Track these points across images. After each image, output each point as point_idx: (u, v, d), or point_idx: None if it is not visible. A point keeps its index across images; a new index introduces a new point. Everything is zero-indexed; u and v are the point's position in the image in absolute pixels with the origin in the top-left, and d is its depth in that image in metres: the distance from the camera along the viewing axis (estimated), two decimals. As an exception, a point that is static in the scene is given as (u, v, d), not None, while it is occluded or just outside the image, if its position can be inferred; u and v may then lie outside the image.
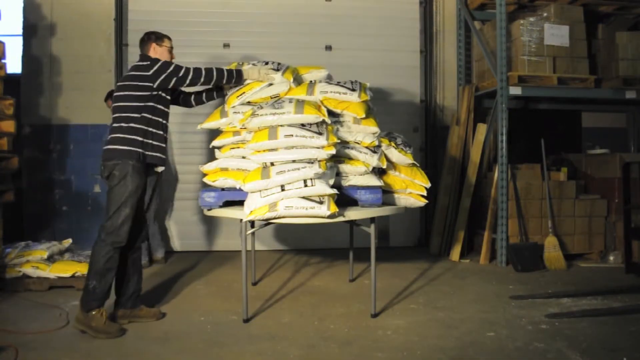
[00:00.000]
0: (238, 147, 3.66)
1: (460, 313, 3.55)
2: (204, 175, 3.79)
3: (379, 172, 3.68)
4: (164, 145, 3.37)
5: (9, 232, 4.37)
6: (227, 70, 3.53)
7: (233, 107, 3.68)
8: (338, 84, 3.61)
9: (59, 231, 5.50)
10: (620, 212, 4.98)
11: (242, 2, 5.89)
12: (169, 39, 3.55)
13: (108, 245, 3.14)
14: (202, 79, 3.42)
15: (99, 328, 3.06)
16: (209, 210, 3.59)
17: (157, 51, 3.46)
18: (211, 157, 3.95)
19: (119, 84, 3.40)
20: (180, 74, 3.32)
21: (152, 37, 3.49)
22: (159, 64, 3.30)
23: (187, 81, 3.36)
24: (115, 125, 3.26)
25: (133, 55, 5.76)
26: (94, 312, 3.10)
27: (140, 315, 3.39)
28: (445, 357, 2.80)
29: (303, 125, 3.29)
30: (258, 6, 5.89)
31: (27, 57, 5.58)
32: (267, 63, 3.73)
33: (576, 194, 5.28)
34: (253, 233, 4.11)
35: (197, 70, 3.39)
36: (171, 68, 3.31)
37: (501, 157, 5.08)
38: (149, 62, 3.30)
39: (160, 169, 3.47)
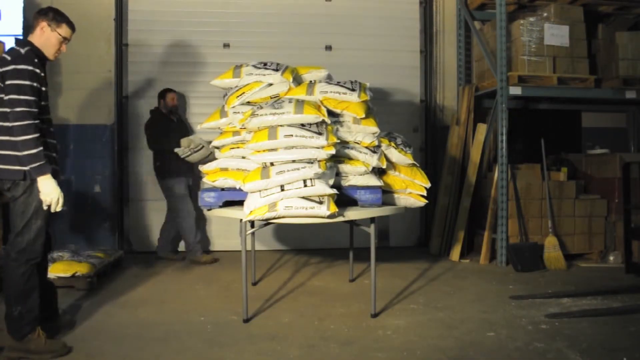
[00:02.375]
0: (238, 147, 3.66)
1: (460, 313, 3.55)
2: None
3: (379, 172, 3.68)
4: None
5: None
6: (38, 165, 2.63)
7: (233, 107, 3.68)
8: (338, 84, 3.61)
9: (59, 231, 5.50)
10: (620, 212, 4.97)
11: (242, 2, 5.89)
12: (72, 29, 2.85)
13: (23, 265, 2.72)
14: (24, 136, 2.60)
15: (41, 349, 2.73)
16: (208, 210, 3.59)
17: (44, 33, 2.77)
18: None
19: None
20: (17, 110, 2.59)
21: (50, 14, 2.76)
22: (19, 70, 2.61)
23: (18, 127, 2.59)
24: None
25: (133, 55, 5.78)
26: (29, 336, 2.74)
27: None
28: (445, 357, 2.80)
29: (303, 125, 3.29)
30: (258, 6, 5.89)
31: (27, 57, 5.58)
32: (266, 64, 3.74)
33: (576, 194, 5.27)
34: (253, 233, 4.11)
35: (28, 128, 2.60)
36: (20, 97, 2.60)
37: (501, 157, 5.08)
38: (10, 58, 2.65)
39: None
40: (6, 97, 2.63)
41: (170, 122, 5.24)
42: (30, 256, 2.75)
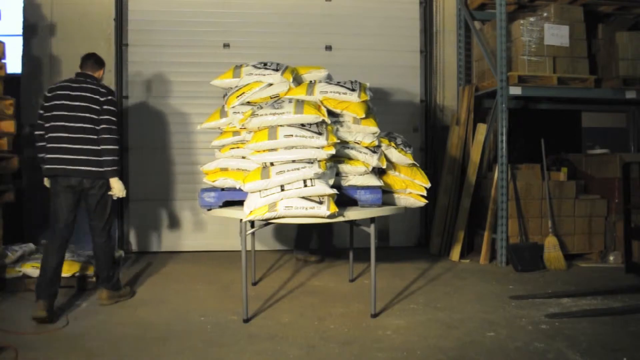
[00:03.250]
0: (238, 147, 3.66)
1: (460, 313, 3.55)
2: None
3: (379, 172, 3.68)
4: None
5: (9, 232, 4.37)
6: (116, 169, 3.63)
7: (233, 107, 3.68)
8: (338, 84, 3.61)
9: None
10: (620, 212, 4.98)
11: (242, 2, 5.88)
12: None
13: (111, 241, 3.78)
14: (112, 146, 3.57)
15: (124, 292, 3.89)
16: (208, 210, 3.59)
17: (102, 76, 3.86)
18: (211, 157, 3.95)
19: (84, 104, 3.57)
20: (112, 127, 3.60)
21: (104, 64, 3.86)
22: (114, 101, 3.65)
23: (109, 138, 3.56)
24: (88, 140, 3.57)
25: (133, 55, 5.77)
26: (120, 284, 3.90)
27: None
28: (445, 357, 2.80)
29: (303, 125, 3.29)
30: (258, 6, 5.89)
31: (27, 57, 5.58)
32: (266, 64, 3.73)
33: (576, 194, 5.27)
34: (253, 233, 4.11)
35: (115, 141, 3.61)
36: (113, 118, 3.61)
37: (501, 157, 5.08)
38: (105, 91, 3.65)
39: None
40: (103, 117, 3.56)
41: None
42: (113, 234, 3.84)
